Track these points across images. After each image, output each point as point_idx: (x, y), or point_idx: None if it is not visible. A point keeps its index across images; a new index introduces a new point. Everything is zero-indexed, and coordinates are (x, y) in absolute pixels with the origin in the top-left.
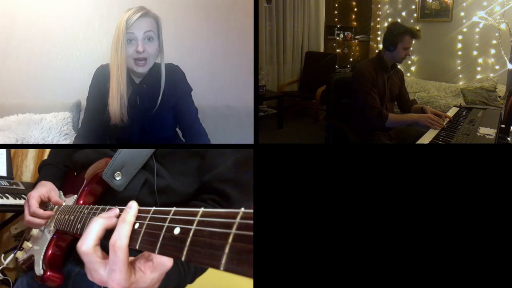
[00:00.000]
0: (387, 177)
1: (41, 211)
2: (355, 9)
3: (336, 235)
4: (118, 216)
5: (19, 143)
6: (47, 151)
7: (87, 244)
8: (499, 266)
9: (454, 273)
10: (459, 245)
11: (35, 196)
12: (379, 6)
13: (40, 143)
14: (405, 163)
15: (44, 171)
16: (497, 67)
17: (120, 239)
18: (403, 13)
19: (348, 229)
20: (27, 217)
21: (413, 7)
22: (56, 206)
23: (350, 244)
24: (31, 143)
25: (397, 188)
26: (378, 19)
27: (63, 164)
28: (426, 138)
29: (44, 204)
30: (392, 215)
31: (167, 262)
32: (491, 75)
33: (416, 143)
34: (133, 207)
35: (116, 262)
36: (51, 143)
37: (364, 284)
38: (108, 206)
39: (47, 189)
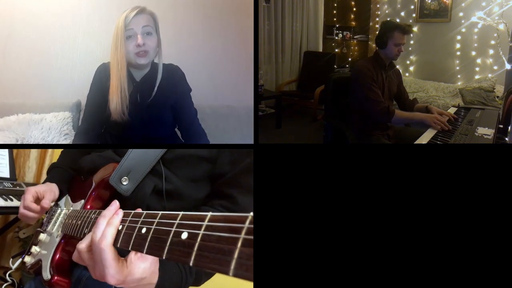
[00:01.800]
0: (385, 177)
1: (34, 205)
2: (354, 9)
3: (335, 234)
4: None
5: (19, 143)
6: (50, 152)
7: (108, 240)
8: (497, 265)
9: (453, 273)
10: (457, 245)
11: (31, 191)
12: (378, 6)
13: (40, 143)
14: (404, 163)
15: (51, 174)
16: (495, 67)
17: (106, 239)
18: (402, 13)
19: (347, 229)
20: (21, 209)
21: (412, 7)
22: (59, 210)
23: (348, 243)
24: (31, 143)
25: (395, 188)
26: (377, 19)
27: (70, 167)
28: (425, 138)
29: (40, 201)
30: (391, 215)
31: None
32: (490, 75)
33: (415, 143)
34: (119, 214)
35: (106, 259)
36: (51, 143)
37: (363, 284)
38: None
39: (46, 188)
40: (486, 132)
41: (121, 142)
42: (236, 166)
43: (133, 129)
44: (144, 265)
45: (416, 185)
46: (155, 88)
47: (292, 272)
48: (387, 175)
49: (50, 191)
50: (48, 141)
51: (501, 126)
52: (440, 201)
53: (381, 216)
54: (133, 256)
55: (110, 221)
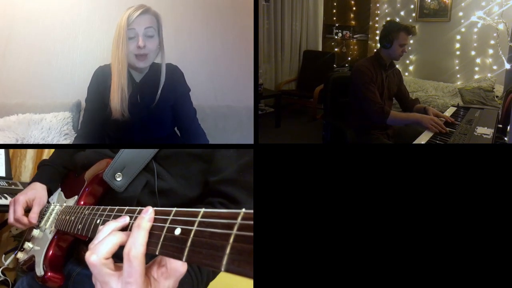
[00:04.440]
0: (385, 177)
1: (25, 219)
2: (354, 8)
3: (335, 234)
4: (128, 225)
5: (19, 143)
6: (46, 151)
7: (99, 255)
8: (497, 265)
9: (452, 273)
10: (457, 245)
11: (21, 202)
12: (377, 5)
13: (40, 143)
14: (403, 162)
15: (41, 171)
16: (495, 67)
17: (136, 248)
18: (402, 13)
19: (347, 228)
20: (11, 220)
21: (412, 6)
22: (52, 206)
23: (348, 242)
24: (31, 143)
25: (395, 188)
26: (377, 18)
27: (62, 166)
28: (424, 137)
29: (30, 208)
30: (391, 215)
31: (180, 267)
32: (489, 75)
33: (414, 142)
34: (149, 212)
35: (132, 273)
36: (51, 143)
37: (363, 284)
38: (109, 207)
39: (34, 195)
40: (485, 132)
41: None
42: (233, 164)
43: (133, 130)
44: (168, 283)
45: (415, 185)
46: (159, 91)
47: (291, 271)
48: (386, 174)
49: (38, 199)
50: (48, 141)
51: (501, 125)
52: (439, 200)
53: (381, 215)
54: (155, 270)
55: (138, 223)
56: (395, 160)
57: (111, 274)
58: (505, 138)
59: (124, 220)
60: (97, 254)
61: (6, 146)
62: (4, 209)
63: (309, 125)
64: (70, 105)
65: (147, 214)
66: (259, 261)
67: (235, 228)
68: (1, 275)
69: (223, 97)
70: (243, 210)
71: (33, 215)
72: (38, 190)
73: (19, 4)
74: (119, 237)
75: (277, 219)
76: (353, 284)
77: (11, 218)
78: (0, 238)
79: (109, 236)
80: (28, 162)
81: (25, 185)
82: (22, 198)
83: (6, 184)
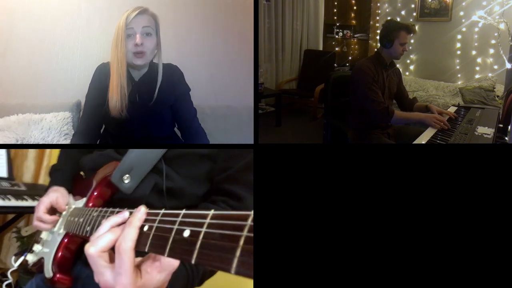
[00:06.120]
0: (385, 177)
1: (46, 217)
2: (355, 8)
3: (335, 234)
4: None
5: (19, 143)
6: (48, 152)
7: (96, 248)
8: (497, 265)
9: (453, 273)
10: (457, 245)
11: (45, 202)
12: (378, 5)
13: (40, 143)
14: (404, 162)
15: (55, 177)
16: (495, 66)
17: (125, 242)
18: (403, 12)
19: (347, 228)
20: (34, 221)
21: (413, 6)
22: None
23: (348, 242)
24: (31, 143)
25: (395, 187)
26: (378, 17)
27: (71, 168)
28: (425, 137)
29: (54, 209)
30: (391, 215)
31: (174, 261)
32: (490, 74)
33: (414, 142)
34: (141, 211)
35: (122, 265)
36: (51, 143)
37: (364, 284)
38: (117, 209)
39: (57, 194)
40: (486, 132)
41: (121, 142)
42: (238, 162)
43: (133, 128)
44: (160, 276)
45: (416, 185)
46: (156, 90)
47: (291, 271)
48: (387, 174)
49: (61, 196)
50: (48, 141)
51: (501, 125)
52: (440, 200)
53: (381, 215)
54: (149, 265)
55: (129, 220)
56: (395, 160)
57: (106, 266)
58: (506, 138)
59: (124, 215)
60: (95, 247)
61: (6, 146)
62: (7, 210)
63: (309, 125)
64: (70, 105)
65: (139, 213)
66: (259, 261)
67: (246, 230)
68: (10, 277)
69: (223, 97)
70: (253, 211)
71: (62, 208)
72: (59, 190)
73: (20, 4)
74: (116, 233)
75: (277, 219)
76: (353, 285)
77: (34, 218)
78: (3, 239)
79: (108, 232)
80: (29, 163)
81: (28, 185)
82: (45, 199)
83: (9, 185)
